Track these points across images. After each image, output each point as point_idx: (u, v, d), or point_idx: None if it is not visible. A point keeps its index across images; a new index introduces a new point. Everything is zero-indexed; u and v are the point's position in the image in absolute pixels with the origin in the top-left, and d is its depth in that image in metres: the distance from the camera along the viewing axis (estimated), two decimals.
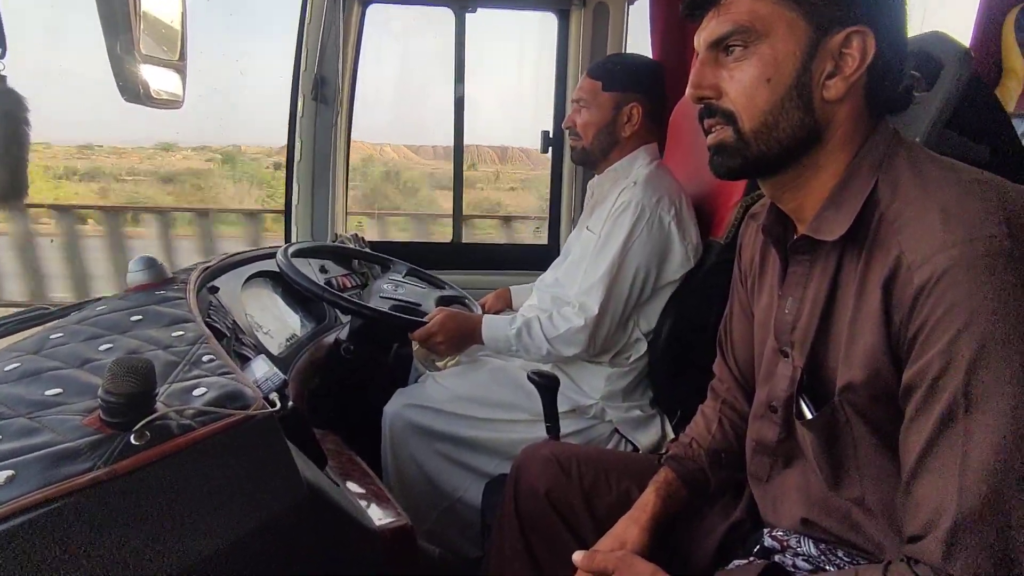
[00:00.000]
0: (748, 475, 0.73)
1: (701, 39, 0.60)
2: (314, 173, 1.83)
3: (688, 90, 0.61)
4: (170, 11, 1.01)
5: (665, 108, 1.43)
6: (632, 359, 1.24)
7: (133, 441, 0.52)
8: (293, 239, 1.87)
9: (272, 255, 1.35)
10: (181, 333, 0.76)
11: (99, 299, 1.05)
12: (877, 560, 0.58)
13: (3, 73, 0.64)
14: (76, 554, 0.46)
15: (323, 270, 1.58)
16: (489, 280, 1.95)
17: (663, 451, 1.24)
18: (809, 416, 0.59)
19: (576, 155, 1.34)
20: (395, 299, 1.38)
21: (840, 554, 0.61)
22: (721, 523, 0.75)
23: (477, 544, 1.19)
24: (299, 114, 1.79)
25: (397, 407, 1.23)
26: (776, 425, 0.64)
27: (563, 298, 1.28)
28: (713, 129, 0.61)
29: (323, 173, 1.84)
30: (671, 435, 1.26)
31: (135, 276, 0.95)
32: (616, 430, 1.25)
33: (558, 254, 2.06)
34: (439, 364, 1.46)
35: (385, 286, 1.45)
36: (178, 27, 1.03)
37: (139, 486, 0.51)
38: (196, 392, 0.61)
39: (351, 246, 1.77)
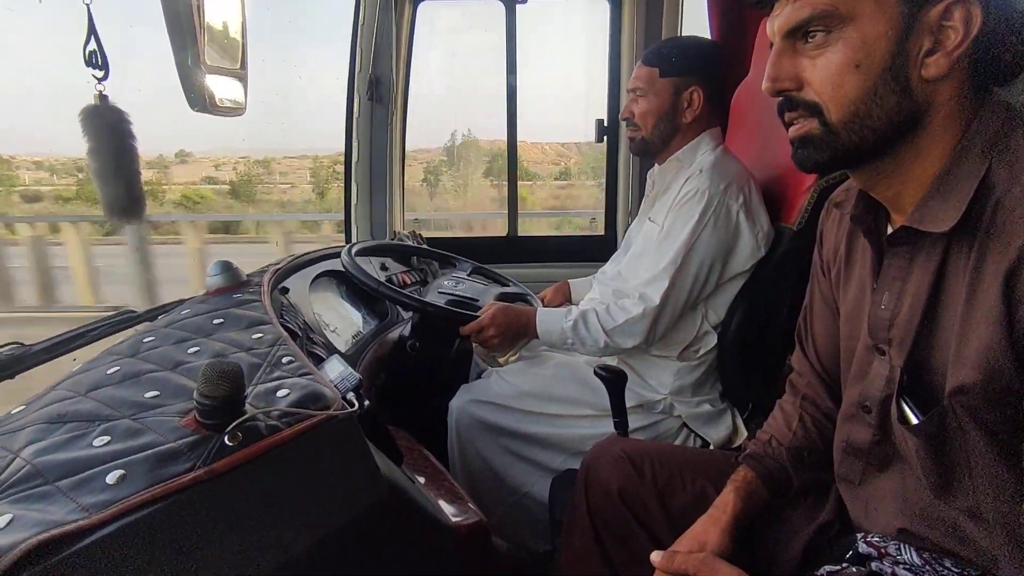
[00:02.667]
0: (837, 477, 0.69)
1: (775, 27, 0.56)
2: (371, 172, 1.87)
3: (764, 83, 0.58)
4: (231, 22, 1.04)
5: (726, 90, 1.38)
6: (701, 352, 1.20)
7: (227, 442, 0.54)
8: (353, 238, 1.92)
9: (336, 255, 1.39)
10: (260, 335, 0.78)
11: (182, 301, 1.10)
12: (991, 574, 0.53)
13: (105, 92, 0.68)
14: (183, 550, 0.48)
15: (384, 267, 1.61)
16: (545, 273, 1.94)
17: (738, 448, 1.22)
18: (915, 421, 0.54)
19: (635, 146, 1.30)
20: (453, 294, 1.40)
21: (948, 564, 0.56)
22: (806, 525, 0.71)
23: (545, 539, 1.19)
24: (356, 115, 1.82)
25: (463, 403, 1.24)
26: (870, 427, 0.60)
27: (624, 291, 1.25)
28: (795, 122, 0.57)
29: (380, 172, 1.87)
30: (742, 430, 1.22)
31: (213, 280, 0.99)
32: (685, 425, 1.22)
33: (615, 245, 2.05)
34: (500, 360, 1.47)
35: (446, 283, 1.46)
36: (239, 37, 1.06)
37: (234, 485, 0.53)
38: (280, 393, 0.63)
39: (410, 243, 1.79)
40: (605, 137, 2.00)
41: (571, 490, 1.05)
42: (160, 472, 0.50)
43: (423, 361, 1.27)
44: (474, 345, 1.48)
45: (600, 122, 1.98)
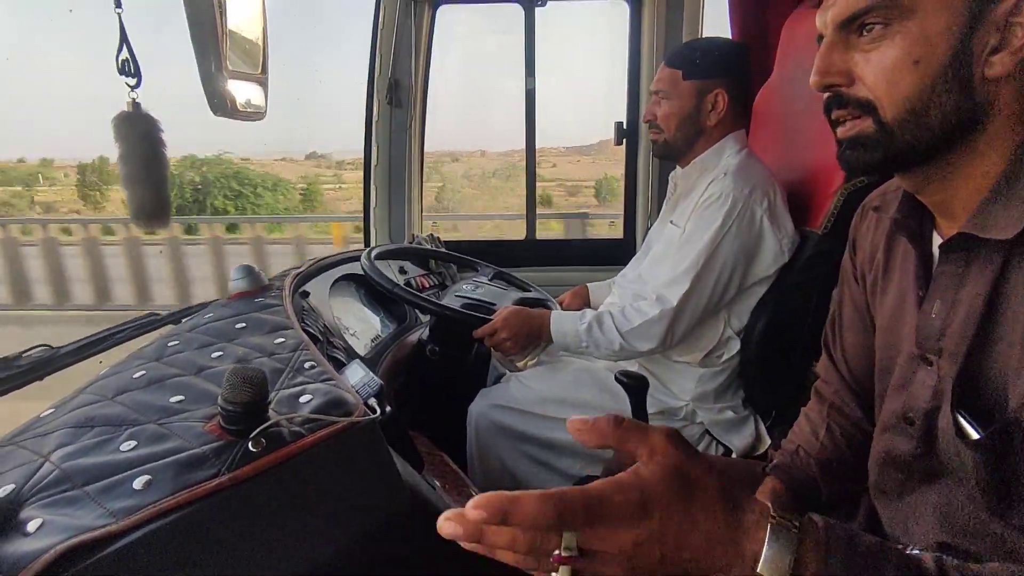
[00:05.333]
0: (873, 489, 0.67)
1: (828, 18, 0.54)
2: (390, 176, 1.87)
3: (813, 78, 0.55)
4: (253, 28, 1.05)
5: (751, 92, 1.36)
6: (723, 358, 1.19)
7: (251, 448, 0.54)
8: (372, 242, 1.93)
9: (356, 258, 1.39)
10: (283, 340, 0.79)
11: (206, 305, 1.11)
12: None
13: (138, 100, 0.68)
14: (207, 557, 0.48)
15: (402, 271, 1.62)
16: (564, 276, 1.93)
17: (762, 455, 1.20)
18: (975, 436, 0.51)
19: (658, 148, 1.28)
20: (469, 298, 1.39)
21: None
22: None
23: None
24: (375, 118, 1.83)
25: (482, 407, 1.23)
26: (912, 439, 0.58)
27: (644, 294, 1.24)
28: (844, 121, 0.55)
29: (399, 176, 1.87)
30: (765, 437, 1.20)
31: (236, 284, 1.00)
32: (707, 432, 1.20)
33: (634, 248, 2.04)
34: (518, 364, 1.46)
35: (465, 287, 1.46)
36: (260, 43, 1.07)
37: (258, 492, 0.53)
38: (302, 399, 0.63)
39: (428, 247, 1.79)
40: (624, 140, 1.98)
41: None
42: (185, 478, 0.50)
43: (442, 365, 1.27)
44: (492, 349, 1.48)
45: (619, 125, 1.97)
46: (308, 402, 0.63)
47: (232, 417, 0.55)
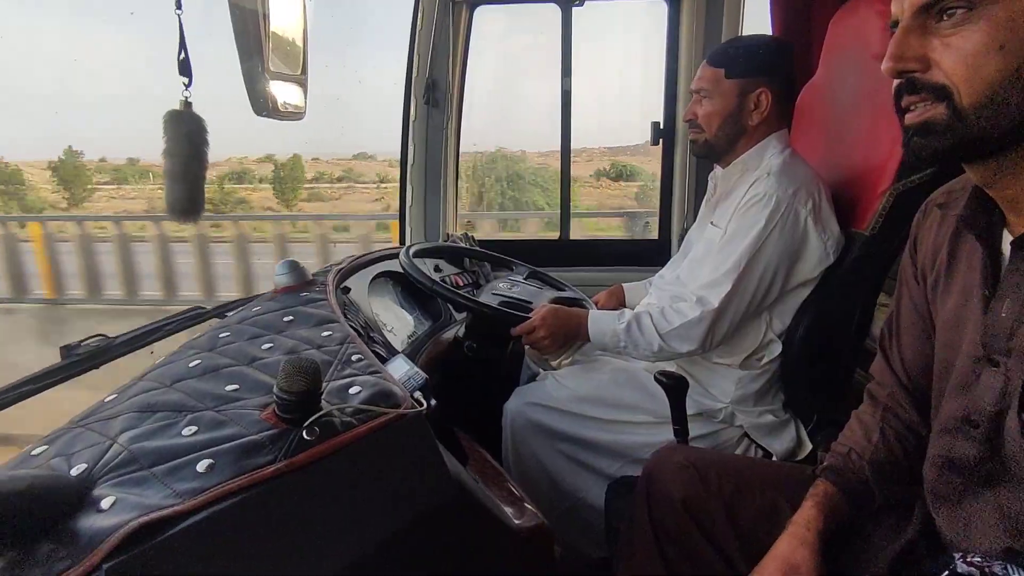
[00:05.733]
0: (930, 493, 0.65)
1: (906, 3, 0.52)
2: (426, 175, 1.89)
3: (886, 63, 0.54)
4: (293, 30, 1.08)
5: (795, 91, 1.34)
6: (764, 361, 1.16)
7: (305, 436, 0.55)
8: (407, 240, 1.95)
9: (394, 255, 1.41)
10: (329, 333, 0.80)
11: (251, 299, 1.14)
12: None
13: (189, 100, 0.71)
14: (265, 540, 0.50)
15: (437, 269, 1.63)
16: (598, 276, 1.92)
17: (804, 460, 1.17)
18: None
19: (698, 148, 1.27)
20: (506, 296, 1.40)
21: None
22: (891, 543, 0.67)
23: (599, 546, 1.18)
24: (412, 118, 1.86)
25: (518, 405, 1.24)
26: (976, 442, 0.57)
27: (683, 295, 1.23)
28: (914, 107, 0.53)
29: (435, 175, 1.89)
30: (806, 442, 1.18)
31: (281, 279, 1.02)
32: (746, 435, 1.18)
33: (669, 249, 2.02)
34: (552, 363, 1.46)
35: (501, 285, 1.47)
36: (301, 44, 1.10)
37: (312, 479, 0.54)
38: (351, 390, 0.64)
39: (463, 245, 1.81)
40: (661, 140, 1.97)
41: (628, 497, 1.04)
42: (245, 463, 0.51)
43: (478, 362, 1.28)
44: (526, 347, 1.48)
45: (656, 125, 1.95)
46: (357, 393, 0.64)
47: (287, 406, 0.57)
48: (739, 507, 0.80)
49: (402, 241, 1.98)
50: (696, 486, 0.82)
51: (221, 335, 0.81)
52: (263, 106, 0.98)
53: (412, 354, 1.30)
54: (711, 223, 1.24)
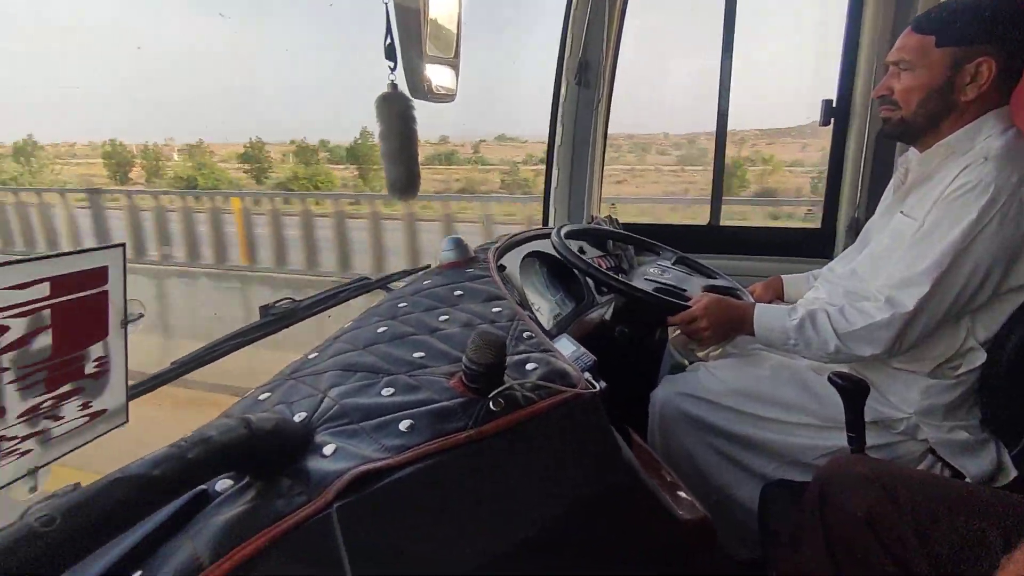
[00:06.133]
0: None
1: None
2: (573, 156, 1.89)
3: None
4: (448, 13, 1.11)
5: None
6: (961, 371, 1.02)
7: (491, 407, 0.58)
8: (550, 221, 1.97)
9: (545, 236, 1.43)
10: (499, 309, 0.83)
11: (411, 271, 1.22)
12: None
13: (395, 82, 0.75)
14: (456, 502, 0.53)
15: (581, 251, 1.62)
16: (750, 266, 1.81)
17: (1000, 486, 1.02)
18: None
19: (891, 127, 1.12)
20: (659, 282, 1.36)
21: None
22: None
23: (748, 546, 1.12)
24: (562, 99, 1.85)
25: (668, 394, 1.20)
26: None
27: (860, 292, 1.11)
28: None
29: (582, 156, 1.88)
30: (1010, 466, 1.02)
31: (447, 254, 1.07)
32: (931, 451, 1.05)
33: (833, 239, 1.84)
34: (699, 353, 1.40)
35: (651, 270, 1.43)
36: (454, 28, 1.12)
37: (497, 449, 0.56)
38: (528, 367, 0.66)
39: (607, 227, 1.78)
40: (832, 120, 1.78)
41: (789, 501, 0.97)
42: (440, 427, 0.55)
43: (625, 347, 1.26)
44: (671, 336, 1.43)
45: (828, 103, 1.77)
46: (534, 370, 0.65)
47: (475, 376, 0.59)
48: (935, 532, 0.71)
49: (545, 222, 2.00)
50: (883, 503, 0.74)
51: (400, 305, 0.86)
52: (419, 89, 1.03)
53: (558, 336, 1.31)
54: (901, 212, 1.10)
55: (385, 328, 0.77)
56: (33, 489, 0.65)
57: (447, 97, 1.13)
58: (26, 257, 0.57)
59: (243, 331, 1.03)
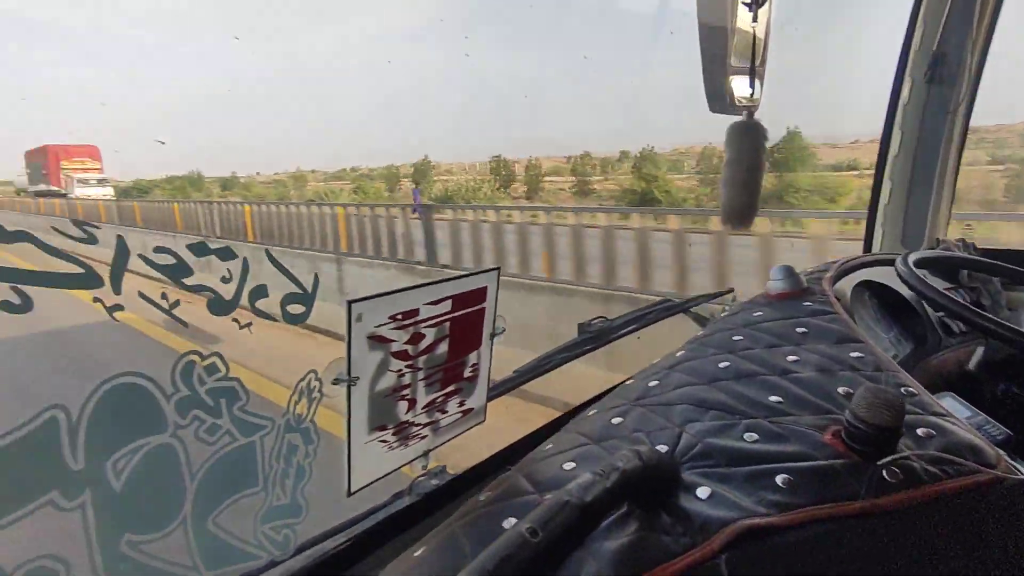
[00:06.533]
0: None
1: None
2: (914, 168, 1.59)
3: None
4: (758, 23, 1.00)
5: None
6: None
7: (886, 476, 0.50)
8: (875, 242, 1.69)
9: (885, 263, 1.23)
10: (860, 355, 0.73)
11: (716, 295, 1.16)
12: None
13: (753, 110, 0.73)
14: None
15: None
16: None
17: None
18: None
19: None
20: None
21: None
22: None
23: None
24: (903, 99, 1.57)
25: None
26: None
27: None
28: None
29: (927, 168, 1.57)
30: None
31: (776, 284, 0.99)
32: None
33: None
34: None
35: None
36: (762, 34, 1.02)
37: (895, 529, 0.49)
38: (919, 431, 0.56)
39: (962, 254, 1.45)
40: None
41: None
42: (825, 490, 0.49)
43: (1011, 413, 1.00)
44: None
45: None
46: (930, 438, 0.55)
47: (859, 436, 0.52)
48: None
49: (867, 243, 1.73)
50: None
51: (734, 338, 0.82)
52: (720, 101, 0.97)
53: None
54: None
55: (728, 364, 0.74)
56: (425, 467, 0.80)
57: (749, 107, 1.06)
58: (441, 279, 0.70)
59: (566, 346, 1.11)
